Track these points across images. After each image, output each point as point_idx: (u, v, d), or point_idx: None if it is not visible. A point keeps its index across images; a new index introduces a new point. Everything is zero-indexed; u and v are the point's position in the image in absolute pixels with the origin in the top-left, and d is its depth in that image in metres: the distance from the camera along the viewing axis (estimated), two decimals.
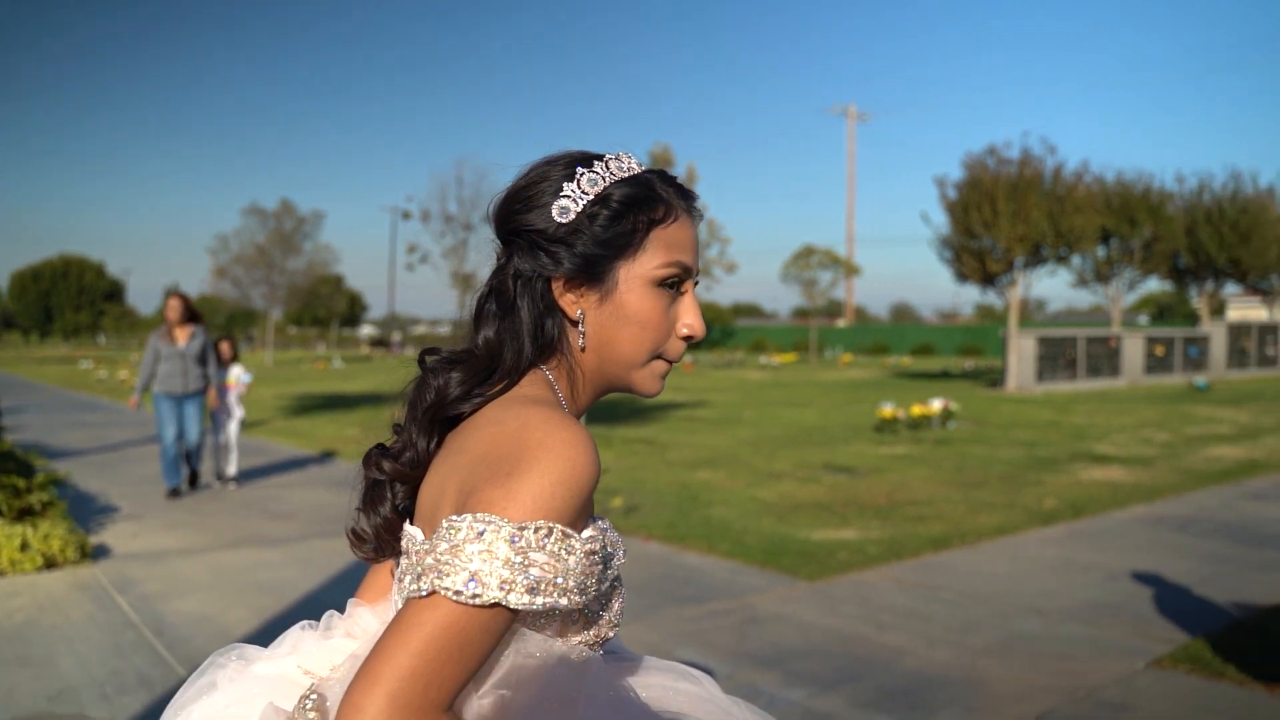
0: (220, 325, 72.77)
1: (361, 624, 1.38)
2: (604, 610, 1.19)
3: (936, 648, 5.29)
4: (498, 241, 1.32)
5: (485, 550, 1.01)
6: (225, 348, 10.57)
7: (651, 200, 1.25)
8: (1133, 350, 28.34)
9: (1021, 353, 25.13)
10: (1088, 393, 24.36)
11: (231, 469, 10.50)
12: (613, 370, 1.28)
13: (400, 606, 1.14)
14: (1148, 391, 24.71)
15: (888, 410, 15.00)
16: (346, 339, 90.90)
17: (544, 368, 1.28)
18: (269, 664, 1.32)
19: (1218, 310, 44.53)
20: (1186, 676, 4.83)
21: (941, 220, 26.53)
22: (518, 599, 1.02)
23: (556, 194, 1.24)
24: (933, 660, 5.10)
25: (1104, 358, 27.45)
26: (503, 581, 1.01)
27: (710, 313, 73.10)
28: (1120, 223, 29.89)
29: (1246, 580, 6.53)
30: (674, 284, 1.27)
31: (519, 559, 1.01)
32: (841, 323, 73.26)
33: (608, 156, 1.29)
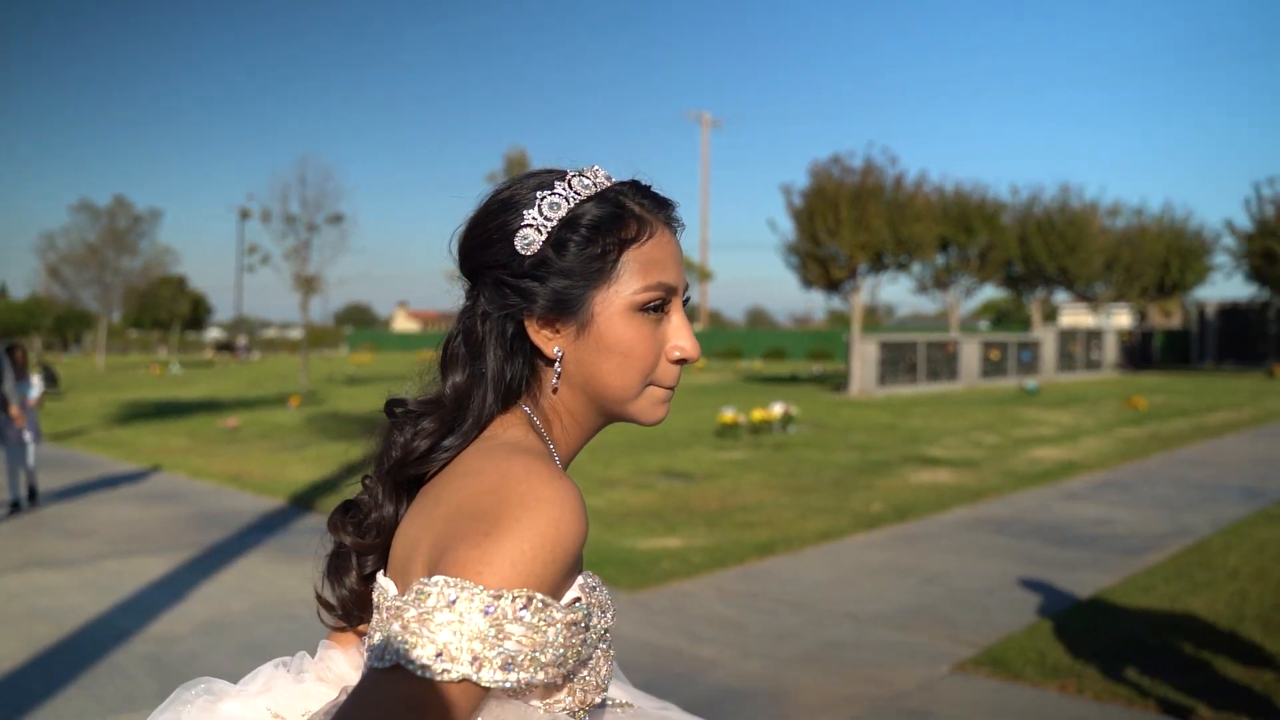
0: (49, 328, 69.05)
1: (335, 669, 1.24)
2: (588, 672, 1.07)
3: (749, 659, 5.23)
4: (463, 278, 1.20)
5: (456, 620, 0.91)
6: (18, 358, 9.77)
7: (621, 218, 1.13)
8: (970, 354, 29.35)
9: (864, 357, 25.73)
10: (927, 396, 25.09)
11: (25, 490, 9.72)
12: (602, 403, 1.16)
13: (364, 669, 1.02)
14: (983, 394, 25.59)
15: (729, 415, 15.09)
16: (190, 343, 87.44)
17: (527, 409, 1.17)
18: (238, 703, 1.18)
19: (1050, 316, 46.64)
20: (987, 680, 4.89)
21: (788, 227, 27.04)
22: (490, 675, 0.92)
23: (518, 222, 1.12)
24: (742, 672, 5.04)
25: (943, 362, 28.34)
26: (474, 656, 0.91)
27: None
28: (958, 231, 30.99)
29: (1054, 580, 6.70)
30: (657, 306, 1.14)
31: (493, 631, 0.91)
32: (697, 327, 74.18)
33: (569, 174, 1.16)
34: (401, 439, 1.15)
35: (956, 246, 31.68)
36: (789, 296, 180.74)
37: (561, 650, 0.96)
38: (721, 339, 62.38)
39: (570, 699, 1.06)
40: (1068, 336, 34.38)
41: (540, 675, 0.95)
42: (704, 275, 54.34)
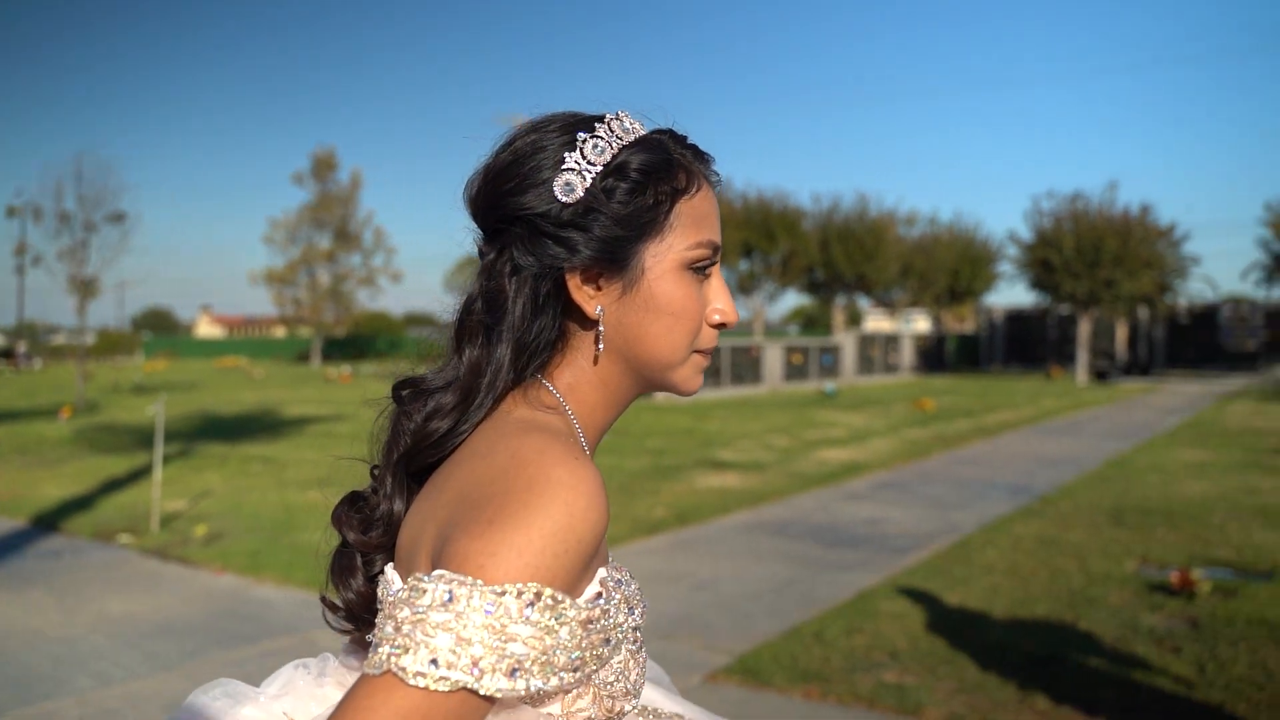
0: None
1: (357, 674, 1.09)
2: (614, 676, 0.97)
3: None
4: (478, 232, 1.08)
5: (454, 620, 0.81)
6: None
7: (671, 166, 1.04)
8: (773, 359, 30.03)
9: None
10: (731, 399, 25.48)
11: None
12: (646, 372, 1.06)
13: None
14: (785, 398, 26.20)
15: None
16: None
17: (549, 381, 1.06)
18: (256, 707, 1.08)
19: (855, 321, 48.28)
20: (736, 688, 4.81)
21: None
22: (493, 683, 0.81)
23: (556, 167, 1.01)
24: None
25: (747, 366, 28.89)
26: (474, 661, 0.81)
27: (380, 322, 71.24)
28: (760, 238, 31.69)
29: (821, 582, 6.74)
30: (704, 266, 1.05)
31: (496, 633, 0.81)
32: None
33: (608, 116, 1.05)
34: (412, 424, 1.05)
35: (760, 253, 32.39)
36: None
37: (577, 653, 0.87)
38: None
39: (594, 707, 0.97)
40: (867, 341, 35.63)
41: (553, 681, 0.85)
42: None
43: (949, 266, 40.47)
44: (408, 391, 1.08)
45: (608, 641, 0.92)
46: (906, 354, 37.82)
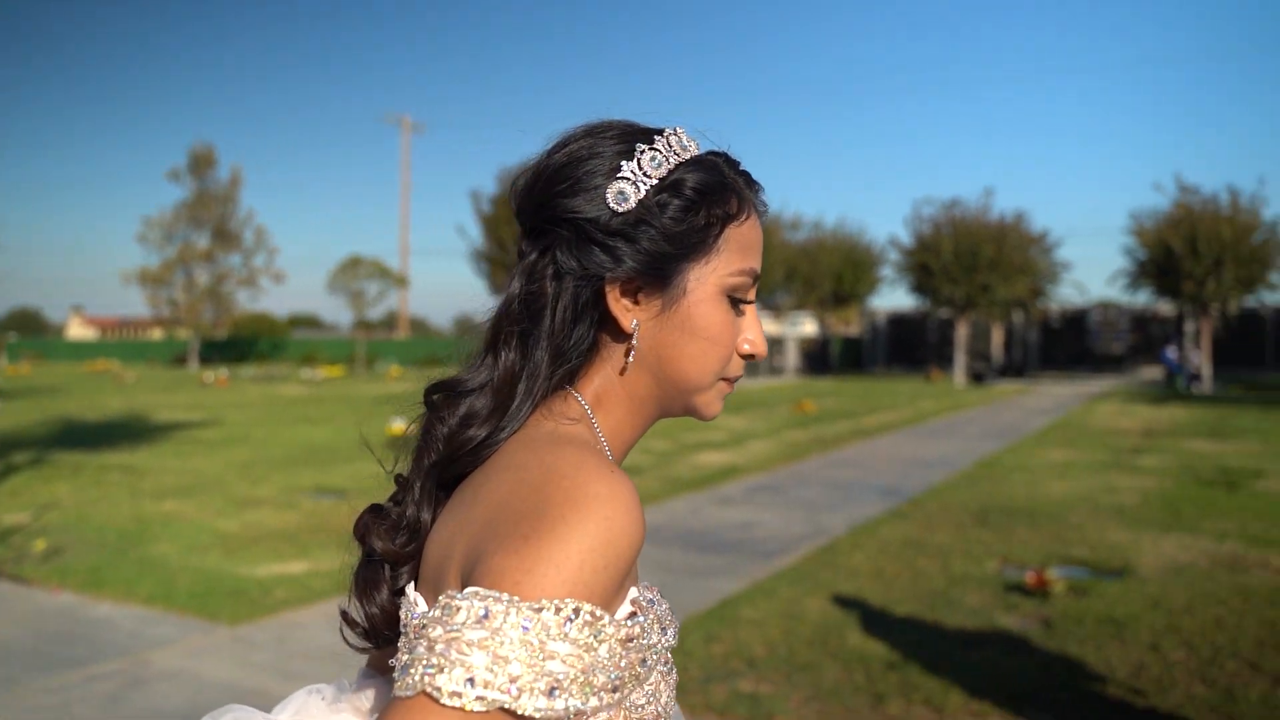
0: None
1: (372, 699, 1.12)
2: (645, 699, 0.93)
3: None
4: (522, 232, 1.06)
5: (490, 638, 0.78)
6: None
7: (725, 190, 1.03)
8: None
9: None
10: None
11: None
12: (672, 393, 1.05)
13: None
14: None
15: (399, 426, 14.49)
16: None
17: (576, 393, 1.04)
18: None
19: None
20: None
21: (478, 233, 26.65)
22: (532, 703, 0.78)
23: (612, 174, 1.00)
24: None
25: None
26: (512, 679, 0.77)
27: (262, 324, 69.43)
28: None
29: (686, 590, 6.67)
30: (743, 294, 1.05)
31: (535, 650, 0.78)
32: (396, 336, 72.37)
33: (666, 131, 1.04)
34: (445, 429, 1.02)
35: None
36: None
37: (616, 672, 0.84)
38: (421, 347, 61.24)
39: None
40: None
41: (591, 701, 0.82)
42: (400, 281, 53.04)
43: (833, 270, 41.12)
44: (439, 395, 1.06)
45: (644, 662, 0.89)
46: (791, 356, 38.33)
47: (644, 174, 1.00)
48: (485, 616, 0.79)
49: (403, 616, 0.92)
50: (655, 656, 0.92)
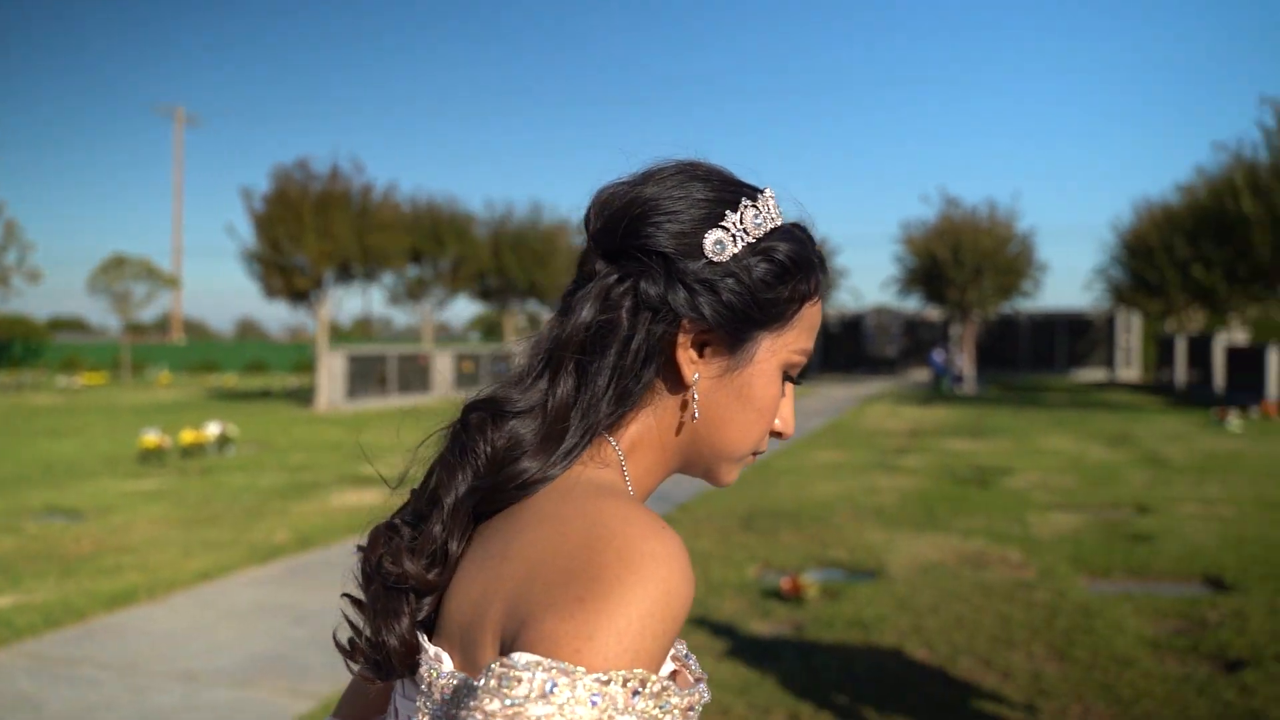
0: None
1: None
2: None
3: None
4: (596, 250, 0.98)
5: (557, 713, 0.73)
6: None
7: (810, 268, 1.00)
8: (443, 367, 29.47)
9: (331, 370, 24.84)
10: (398, 408, 24.71)
11: None
12: (705, 453, 1.00)
13: None
14: (454, 405, 25.60)
15: (151, 439, 13.52)
16: None
17: (610, 437, 0.97)
18: None
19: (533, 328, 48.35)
20: None
21: (249, 233, 25.42)
22: None
23: (710, 222, 0.96)
24: None
25: (415, 374, 28.19)
26: None
27: (18, 326, 64.41)
28: (429, 243, 31.04)
29: None
30: (796, 373, 1.04)
31: None
32: (179, 339, 68.54)
33: (766, 192, 1.01)
34: (488, 450, 0.92)
35: (429, 258, 31.72)
36: (283, 306, 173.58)
37: None
38: (197, 352, 58.23)
39: None
40: None
41: None
42: (171, 282, 50.19)
43: None
44: (480, 414, 0.97)
45: None
46: None
47: (744, 230, 0.97)
48: (551, 690, 0.74)
49: (424, 674, 0.88)
50: (694, 716, 0.85)
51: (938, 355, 35.00)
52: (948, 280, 33.49)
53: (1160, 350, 37.80)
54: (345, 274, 25.02)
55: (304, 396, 28.89)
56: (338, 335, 77.21)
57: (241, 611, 6.35)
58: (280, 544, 8.26)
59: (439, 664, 0.86)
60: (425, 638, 0.90)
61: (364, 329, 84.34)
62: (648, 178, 1.01)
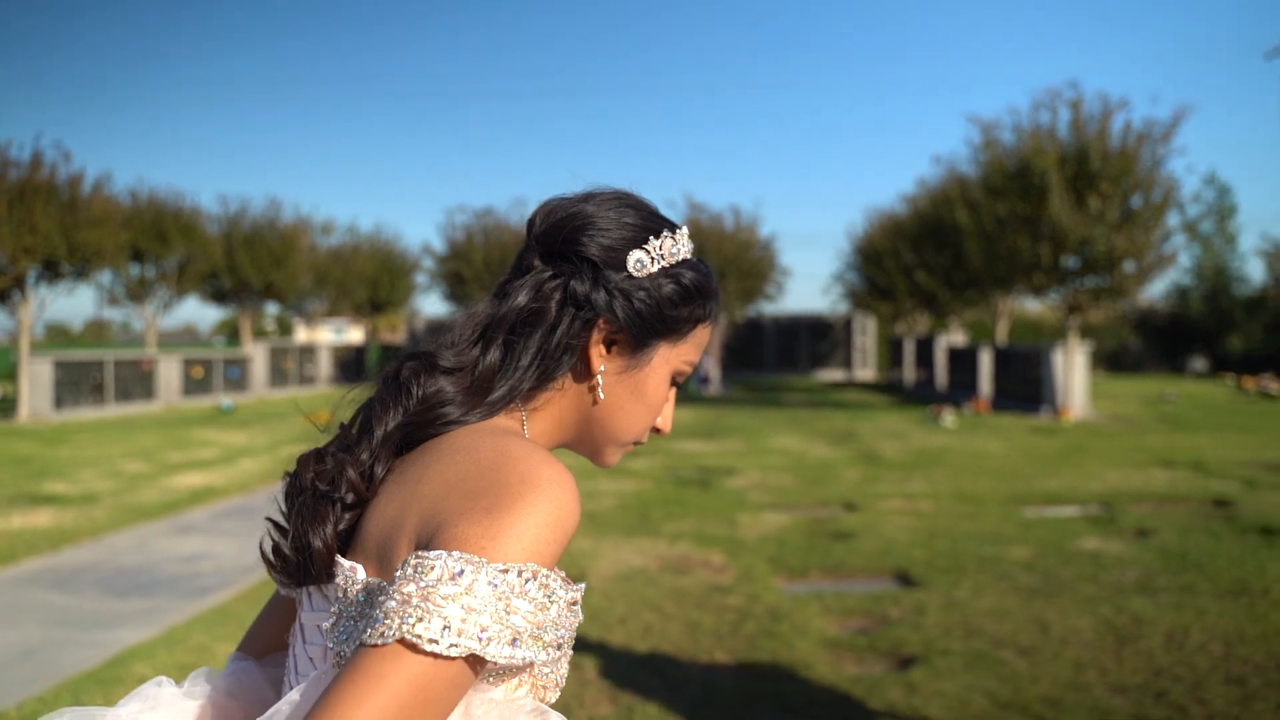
0: None
1: (248, 682, 1.20)
2: (549, 667, 1.05)
3: None
4: (536, 249, 1.18)
5: (464, 593, 0.89)
6: None
7: (708, 296, 1.21)
8: (170, 372, 27.47)
9: (36, 378, 22.61)
10: (115, 418, 22.82)
11: None
12: (592, 434, 1.19)
13: (341, 657, 0.99)
14: (179, 415, 24.00)
15: None
16: None
17: (521, 405, 1.16)
18: None
19: (287, 331, 46.26)
20: None
21: None
22: (497, 650, 0.90)
23: (637, 242, 1.17)
24: None
25: (137, 381, 26.14)
26: (482, 630, 0.89)
27: None
28: (152, 241, 28.93)
29: (82, 644, 5.65)
30: (681, 380, 1.24)
31: (501, 605, 0.90)
32: None
33: (682, 227, 1.22)
34: (423, 392, 1.11)
35: (153, 257, 29.52)
36: None
37: (562, 630, 0.97)
38: None
39: (529, 695, 1.05)
40: (280, 352, 34.02)
41: (542, 654, 0.94)
42: None
43: (369, 276, 40.02)
44: (415, 364, 1.14)
45: (573, 627, 1.02)
46: (325, 365, 36.78)
47: (662, 255, 1.17)
48: (460, 574, 0.89)
49: (340, 584, 1.01)
50: (571, 634, 1.04)
51: None
52: None
53: (892, 351, 39.95)
54: (53, 272, 22.82)
55: (6, 407, 26.32)
56: (64, 339, 71.29)
57: None
58: None
59: (354, 574, 1.00)
60: (340, 556, 1.04)
61: (97, 332, 78.40)
62: (589, 198, 1.19)
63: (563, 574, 1.02)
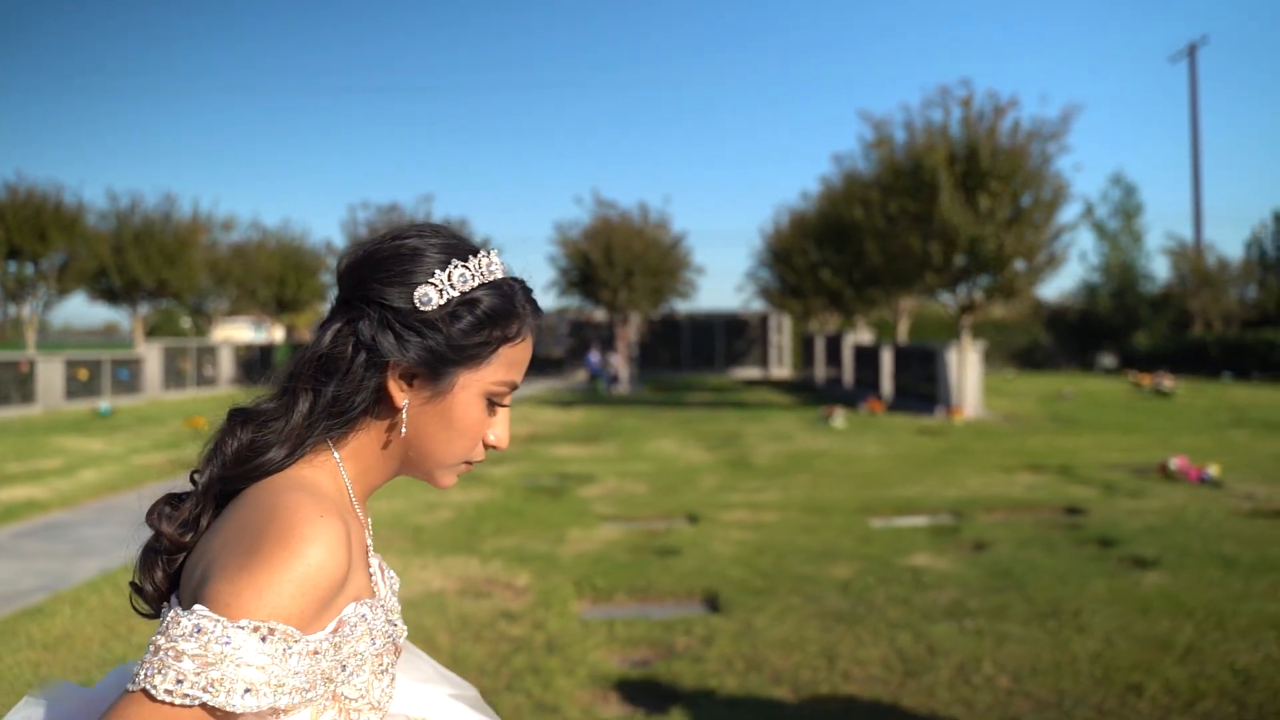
0: None
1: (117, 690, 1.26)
2: (355, 693, 1.12)
3: None
4: (338, 296, 1.24)
5: (199, 649, 0.97)
6: None
7: (511, 316, 1.23)
8: (52, 374, 26.41)
9: None
10: None
11: None
12: (418, 461, 1.24)
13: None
14: (57, 419, 23.01)
15: None
16: None
17: (335, 444, 1.21)
18: None
19: (201, 331, 44.95)
20: None
21: None
22: (228, 700, 0.97)
23: (423, 278, 1.19)
24: None
25: (15, 383, 25.10)
26: (212, 682, 0.96)
27: None
28: (30, 238, 27.81)
29: None
30: (499, 400, 1.26)
31: (232, 660, 0.97)
32: None
33: (483, 252, 1.23)
34: (235, 445, 1.17)
35: (31, 255, 28.38)
36: None
37: (305, 677, 1.01)
38: None
39: (341, 718, 1.11)
40: (176, 352, 32.95)
41: (284, 700, 0.99)
42: None
43: (274, 275, 39.03)
44: (234, 418, 1.20)
45: (343, 667, 1.08)
46: (226, 365, 35.75)
47: (450, 285, 1.18)
48: (198, 631, 0.97)
49: (164, 614, 1.05)
50: (358, 661, 1.10)
51: (593, 356, 35.22)
52: (599, 281, 33.69)
53: (805, 349, 39.91)
54: None
55: None
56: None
57: None
58: None
59: (168, 609, 1.05)
60: (175, 596, 1.14)
61: (4, 331, 75.75)
62: (385, 238, 1.24)
63: (362, 610, 1.11)
